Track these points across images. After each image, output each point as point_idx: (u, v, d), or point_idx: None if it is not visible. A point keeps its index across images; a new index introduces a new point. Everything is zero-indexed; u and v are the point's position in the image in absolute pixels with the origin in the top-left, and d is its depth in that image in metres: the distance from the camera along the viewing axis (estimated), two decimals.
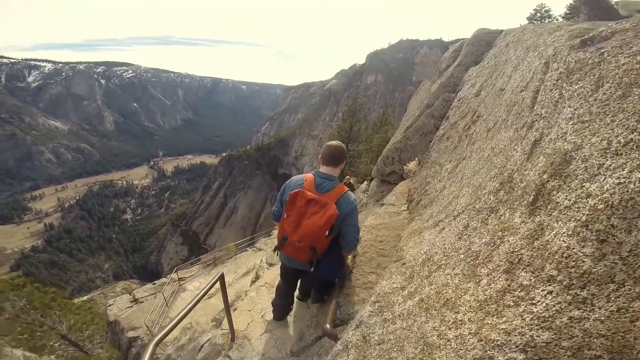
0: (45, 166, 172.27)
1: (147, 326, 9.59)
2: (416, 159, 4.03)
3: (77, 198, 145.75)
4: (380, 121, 21.16)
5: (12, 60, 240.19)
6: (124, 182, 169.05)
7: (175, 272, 13.30)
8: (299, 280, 3.12)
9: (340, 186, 2.34)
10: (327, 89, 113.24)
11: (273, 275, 4.69)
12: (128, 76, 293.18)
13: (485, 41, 4.23)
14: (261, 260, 6.77)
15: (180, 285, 12.58)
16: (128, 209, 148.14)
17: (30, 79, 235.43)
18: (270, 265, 5.99)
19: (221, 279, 2.62)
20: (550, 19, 17.07)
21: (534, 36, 2.24)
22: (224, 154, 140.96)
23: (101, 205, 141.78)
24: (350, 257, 2.90)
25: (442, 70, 5.60)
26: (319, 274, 2.51)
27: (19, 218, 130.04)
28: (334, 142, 2.45)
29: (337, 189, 2.31)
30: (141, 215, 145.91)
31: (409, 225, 2.73)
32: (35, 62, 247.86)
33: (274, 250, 2.50)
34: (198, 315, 10.19)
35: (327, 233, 2.18)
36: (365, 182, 8.37)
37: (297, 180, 2.43)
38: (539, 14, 17.57)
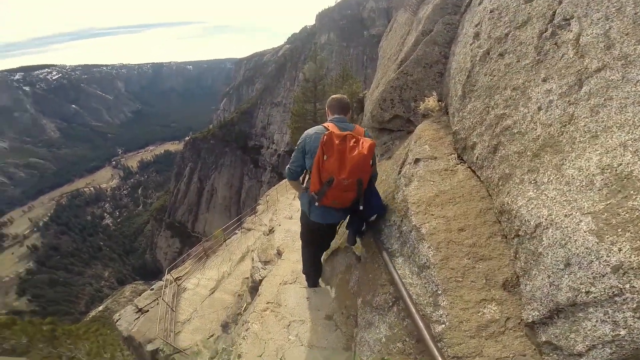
0: (2, 190, 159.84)
1: (162, 339, 8.90)
2: (433, 93, 3.21)
3: (49, 214, 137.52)
4: (342, 76, 21.20)
5: None
6: (92, 188, 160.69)
7: (168, 273, 12.37)
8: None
9: (358, 125, 2.49)
10: (282, 54, 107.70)
11: (275, 286, 3.69)
12: (54, 78, 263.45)
13: None
14: (252, 259, 5.68)
15: (178, 285, 11.76)
16: (105, 214, 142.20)
17: None
18: (265, 263, 4.92)
19: None
20: None
21: None
22: (186, 138, 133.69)
23: (77, 216, 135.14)
24: None
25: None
26: (371, 211, 2.58)
27: None
28: (338, 95, 2.62)
29: (357, 127, 2.44)
30: (121, 217, 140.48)
31: (509, 192, 1.74)
32: None
33: (313, 206, 2.51)
34: (207, 313, 9.57)
35: (370, 162, 2.26)
36: None
37: (317, 129, 2.47)
38: None
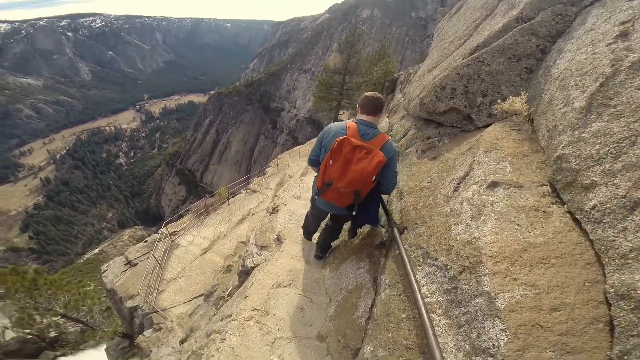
0: (27, 122, 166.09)
1: (143, 297, 8.79)
2: (522, 92, 2.55)
3: (67, 148, 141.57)
4: (379, 53, 20.31)
5: None
6: (112, 128, 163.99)
7: (164, 226, 12.12)
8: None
9: (383, 134, 2.37)
10: (320, 23, 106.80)
11: (266, 288, 3.14)
12: (97, 26, 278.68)
13: None
14: (249, 240, 5.11)
15: (172, 241, 11.52)
16: (120, 153, 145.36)
17: None
18: (262, 248, 4.34)
19: None
20: None
21: None
22: (212, 92, 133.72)
23: (93, 152, 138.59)
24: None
25: None
26: (363, 218, 2.69)
27: (14, 177, 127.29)
28: (373, 93, 2.47)
29: (380, 136, 2.34)
30: (134, 157, 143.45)
31: None
32: None
33: (317, 195, 2.58)
34: (194, 274, 9.37)
35: (373, 178, 2.24)
36: (387, 119, 6.33)
37: (339, 127, 2.44)
38: None
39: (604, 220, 1.41)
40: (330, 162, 2.28)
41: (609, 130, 1.56)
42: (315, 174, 2.74)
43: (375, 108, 2.42)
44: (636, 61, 1.63)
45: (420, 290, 1.67)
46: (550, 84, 2.25)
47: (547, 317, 1.30)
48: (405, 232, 2.33)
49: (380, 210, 2.77)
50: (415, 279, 1.72)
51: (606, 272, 1.34)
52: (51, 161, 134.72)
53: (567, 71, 2.07)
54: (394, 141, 4.42)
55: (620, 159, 1.44)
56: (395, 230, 2.22)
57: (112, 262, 11.59)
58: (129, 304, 9.09)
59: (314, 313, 2.84)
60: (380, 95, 2.46)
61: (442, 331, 1.54)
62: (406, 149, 3.79)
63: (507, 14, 3.22)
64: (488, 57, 2.92)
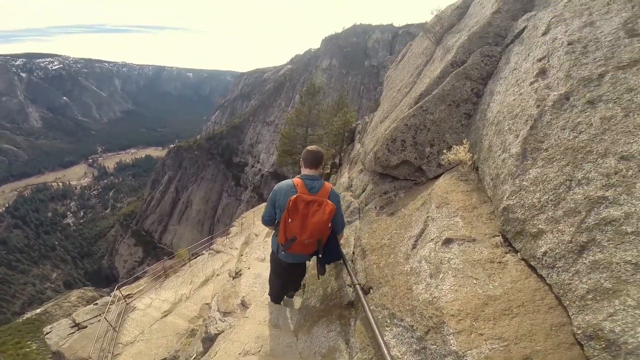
0: None
1: (95, 359, 7.83)
2: (464, 140, 2.68)
3: (7, 205, 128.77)
4: (337, 104, 21.07)
5: None
6: (60, 184, 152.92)
7: (117, 289, 11.17)
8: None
9: (326, 183, 2.67)
10: (282, 74, 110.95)
11: (232, 357, 2.89)
12: (54, 68, 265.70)
13: None
14: (210, 307, 4.78)
15: (127, 304, 10.56)
16: (69, 213, 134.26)
17: None
18: (225, 315, 4.05)
19: None
20: None
21: None
22: (171, 146, 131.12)
23: (36, 211, 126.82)
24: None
25: (446, 28, 4.40)
26: (328, 259, 2.81)
27: None
28: (314, 147, 2.78)
29: (324, 187, 2.63)
30: (84, 218, 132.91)
31: (613, 316, 1.23)
32: None
33: (283, 250, 2.67)
34: (155, 337, 8.55)
35: (329, 225, 2.50)
36: (347, 174, 6.49)
37: (288, 186, 2.66)
38: None
39: (556, 265, 1.46)
40: (289, 220, 2.46)
41: (545, 176, 1.66)
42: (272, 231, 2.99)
43: (316, 161, 2.72)
44: (557, 100, 1.79)
45: (389, 353, 1.62)
46: (487, 128, 2.40)
47: None
48: (370, 291, 2.33)
49: None
50: (384, 342, 1.67)
51: (570, 314, 1.37)
52: None
53: (500, 114, 2.23)
54: (353, 197, 4.56)
55: (560, 206, 1.52)
56: (360, 291, 2.20)
57: (56, 323, 10.56)
58: None
59: None
60: (320, 149, 2.78)
61: None
62: (365, 205, 3.85)
63: (443, 59, 3.42)
64: (431, 105, 3.08)
